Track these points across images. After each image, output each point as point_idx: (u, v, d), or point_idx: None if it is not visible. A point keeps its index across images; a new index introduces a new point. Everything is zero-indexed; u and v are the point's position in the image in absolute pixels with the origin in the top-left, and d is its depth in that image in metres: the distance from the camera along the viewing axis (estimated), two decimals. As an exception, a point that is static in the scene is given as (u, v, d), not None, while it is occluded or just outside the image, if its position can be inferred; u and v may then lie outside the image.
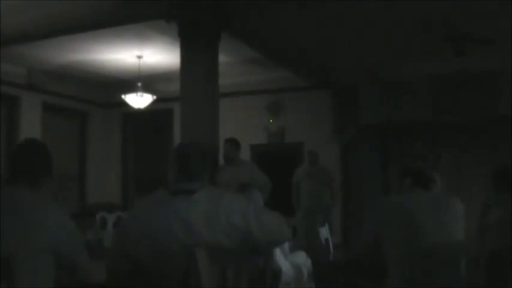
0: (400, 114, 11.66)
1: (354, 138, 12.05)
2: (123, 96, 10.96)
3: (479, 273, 4.03)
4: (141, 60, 10.66)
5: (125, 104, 11.26)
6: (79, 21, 8.30)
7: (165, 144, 13.25)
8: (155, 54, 10.45)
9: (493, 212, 4.47)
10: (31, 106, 11.89)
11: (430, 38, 8.89)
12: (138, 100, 10.95)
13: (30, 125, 11.72)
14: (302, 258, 6.07)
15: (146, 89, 10.97)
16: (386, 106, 11.80)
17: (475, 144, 11.23)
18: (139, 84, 10.83)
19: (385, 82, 11.81)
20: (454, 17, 8.21)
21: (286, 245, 5.66)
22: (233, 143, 7.81)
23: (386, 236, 3.92)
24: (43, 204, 2.87)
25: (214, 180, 3.64)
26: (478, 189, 9.99)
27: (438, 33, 8.65)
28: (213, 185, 3.26)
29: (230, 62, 10.33)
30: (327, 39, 9.40)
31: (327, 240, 8.96)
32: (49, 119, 12.40)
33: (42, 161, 3.03)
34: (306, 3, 7.74)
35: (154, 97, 11.08)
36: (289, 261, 5.65)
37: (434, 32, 8.65)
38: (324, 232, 8.98)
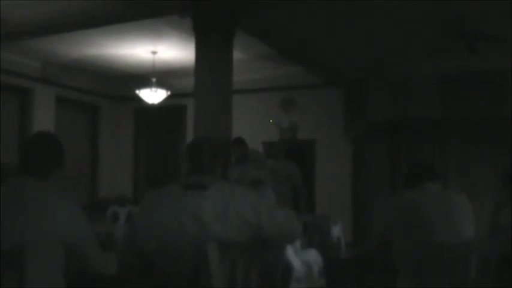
0: (410, 111, 11.66)
1: (364, 135, 12.04)
2: (137, 92, 10.98)
3: (489, 273, 4.01)
4: (156, 55, 10.68)
5: (137, 99, 11.28)
6: (94, 15, 8.33)
7: (178, 140, 13.27)
8: (170, 50, 10.45)
9: (504, 212, 4.45)
10: (44, 99, 11.96)
11: (440, 36, 8.86)
12: (153, 95, 10.97)
13: (43, 117, 11.79)
14: (313, 256, 6.07)
15: (160, 84, 10.99)
16: (396, 103, 11.80)
17: (484, 142, 11.20)
18: (153, 79, 10.85)
19: (394, 79, 11.80)
20: (466, 15, 8.17)
21: (297, 243, 5.66)
22: (239, 143, 7.66)
23: (396, 232, 3.90)
24: (53, 196, 2.87)
25: (226, 176, 3.64)
26: (486, 187, 9.98)
27: (449, 31, 8.61)
28: (225, 181, 3.26)
29: (243, 58, 10.32)
30: (338, 36, 9.38)
31: (338, 238, 8.91)
32: (62, 112, 12.48)
33: (53, 153, 3.01)
34: (317, 1, 7.74)
35: (169, 93, 11.09)
36: (300, 258, 5.65)
37: (445, 30, 8.62)
38: (337, 230, 8.93)
